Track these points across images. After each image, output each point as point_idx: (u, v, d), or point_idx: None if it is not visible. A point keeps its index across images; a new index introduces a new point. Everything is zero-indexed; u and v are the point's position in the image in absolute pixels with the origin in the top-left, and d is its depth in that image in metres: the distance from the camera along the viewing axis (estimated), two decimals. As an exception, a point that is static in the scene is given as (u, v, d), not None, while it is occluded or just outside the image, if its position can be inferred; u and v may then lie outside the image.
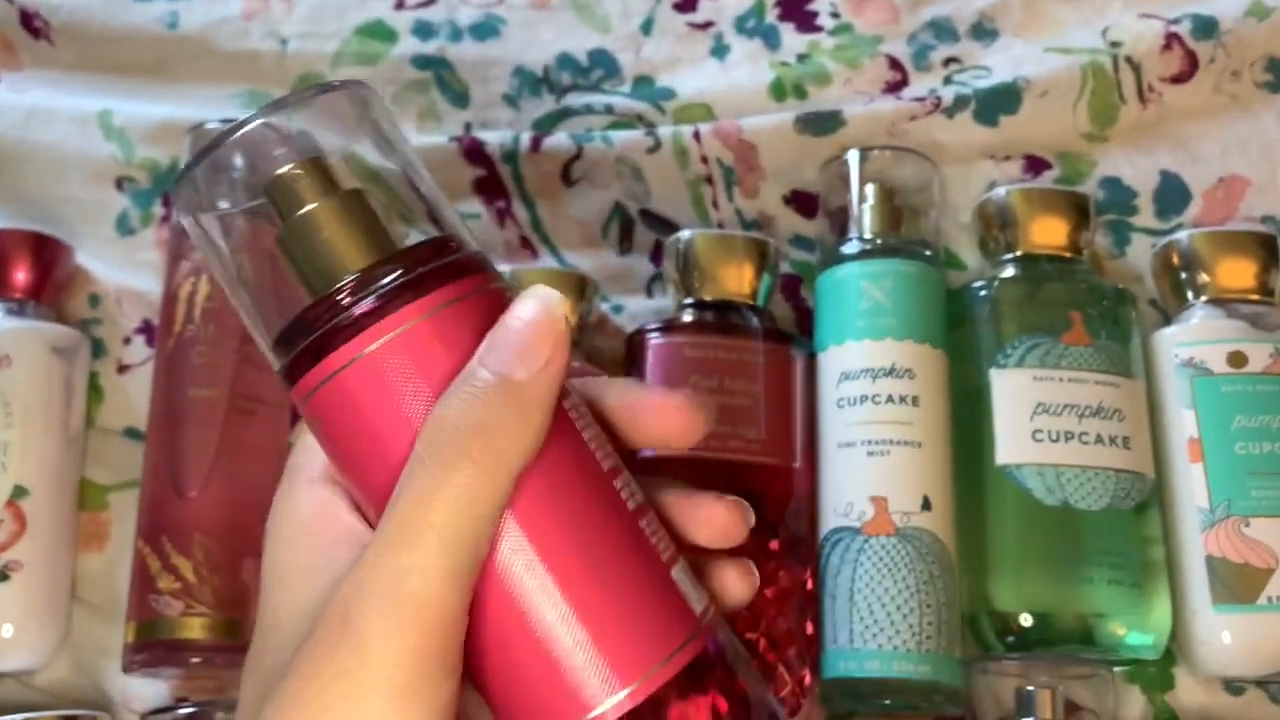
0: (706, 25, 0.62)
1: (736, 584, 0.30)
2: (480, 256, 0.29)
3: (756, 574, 0.30)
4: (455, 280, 0.27)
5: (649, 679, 0.26)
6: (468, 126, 0.60)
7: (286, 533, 0.28)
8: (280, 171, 0.28)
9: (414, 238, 0.29)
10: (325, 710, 0.24)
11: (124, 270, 0.57)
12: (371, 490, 0.27)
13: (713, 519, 0.30)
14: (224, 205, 0.29)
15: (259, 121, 0.28)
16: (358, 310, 0.27)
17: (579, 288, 0.53)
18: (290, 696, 0.25)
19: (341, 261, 0.28)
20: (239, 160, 0.29)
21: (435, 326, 0.27)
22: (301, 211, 0.28)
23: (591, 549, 0.27)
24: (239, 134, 0.28)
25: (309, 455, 0.29)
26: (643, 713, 0.26)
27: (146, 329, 0.56)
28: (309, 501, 0.28)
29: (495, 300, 0.28)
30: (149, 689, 0.50)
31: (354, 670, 0.24)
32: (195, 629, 0.47)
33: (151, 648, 0.48)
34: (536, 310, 0.27)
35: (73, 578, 0.52)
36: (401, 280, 0.27)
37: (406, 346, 0.27)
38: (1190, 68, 0.58)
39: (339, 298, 0.27)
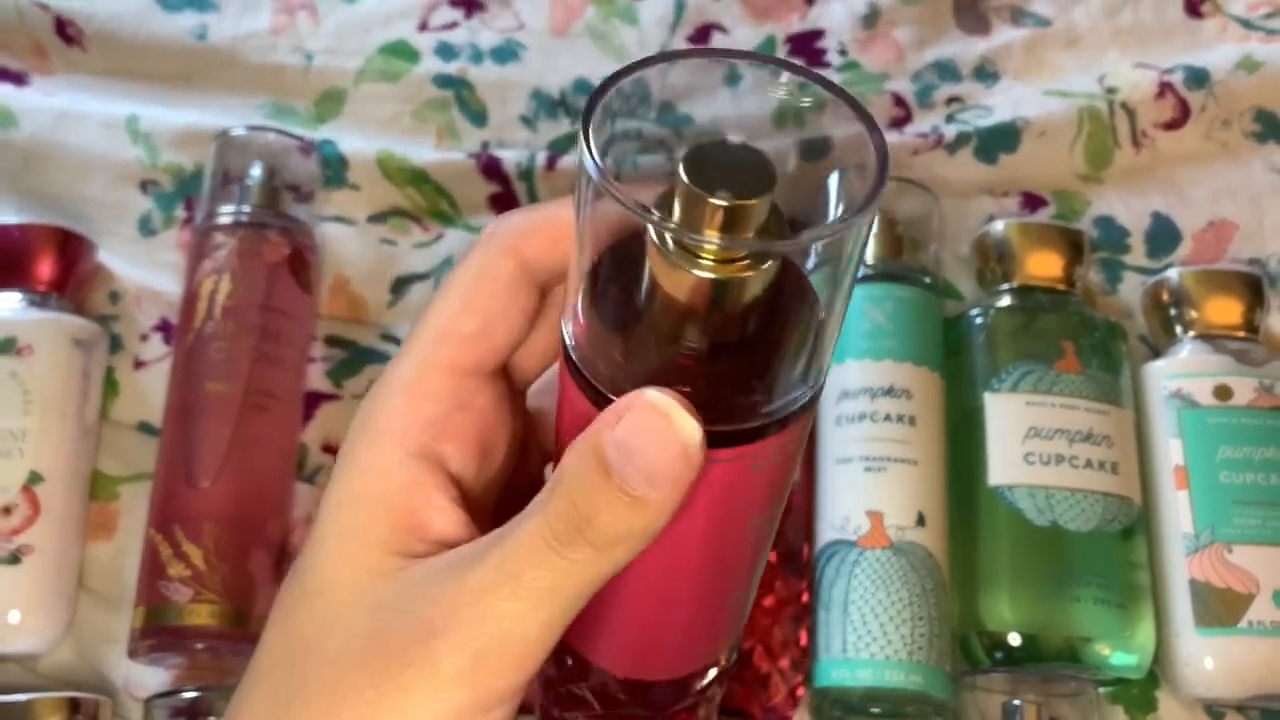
0: (719, 58, 0.64)
1: None
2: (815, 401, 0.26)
3: None
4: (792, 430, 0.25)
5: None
6: (485, 145, 0.62)
7: (362, 491, 0.28)
8: (743, 202, 0.22)
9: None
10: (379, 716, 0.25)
11: (144, 269, 0.58)
12: None
13: None
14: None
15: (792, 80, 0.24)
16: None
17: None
18: (343, 695, 0.26)
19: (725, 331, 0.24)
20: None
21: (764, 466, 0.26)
22: (712, 262, 0.23)
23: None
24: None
25: (404, 417, 0.28)
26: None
27: (164, 327, 0.57)
28: (402, 474, 0.27)
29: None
30: (151, 676, 0.51)
31: (414, 687, 0.25)
32: (203, 616, 0.48)
33: (159, 633, 0.48)
34: (679, 441, 0.24)
35: (80, 565, 0.53)
36: (777, 414, 0.25)
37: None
38: (1182, 115, 0.60)
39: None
